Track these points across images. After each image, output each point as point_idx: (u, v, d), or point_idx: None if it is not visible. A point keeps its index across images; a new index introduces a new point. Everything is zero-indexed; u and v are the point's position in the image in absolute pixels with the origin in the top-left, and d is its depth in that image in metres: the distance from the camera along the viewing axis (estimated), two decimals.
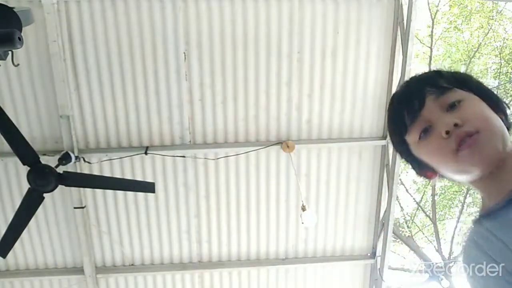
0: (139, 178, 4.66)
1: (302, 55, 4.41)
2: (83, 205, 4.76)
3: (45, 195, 3.60)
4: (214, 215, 4.98)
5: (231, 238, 5.11)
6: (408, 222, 12.74)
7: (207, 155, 4.70)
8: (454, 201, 12.72)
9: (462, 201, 12.21)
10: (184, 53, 4.32)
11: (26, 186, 3.60)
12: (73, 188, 4.53)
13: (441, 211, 12.72)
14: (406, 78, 4.21)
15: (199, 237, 5.09)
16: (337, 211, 5.08)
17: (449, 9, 11.43)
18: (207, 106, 4.53)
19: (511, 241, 0.85)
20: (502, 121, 1.00)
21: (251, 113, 4.59)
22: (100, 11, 4.13)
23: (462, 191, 11.89)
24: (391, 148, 4.69)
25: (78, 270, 5.10)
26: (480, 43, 11.61)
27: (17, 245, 4.03)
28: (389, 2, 4.31)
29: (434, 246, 12.23)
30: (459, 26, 11.51)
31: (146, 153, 4.56)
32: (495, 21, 11.44)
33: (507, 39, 11.55)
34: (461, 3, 11.29)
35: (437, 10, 11.19)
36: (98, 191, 4.75)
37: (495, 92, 1.08)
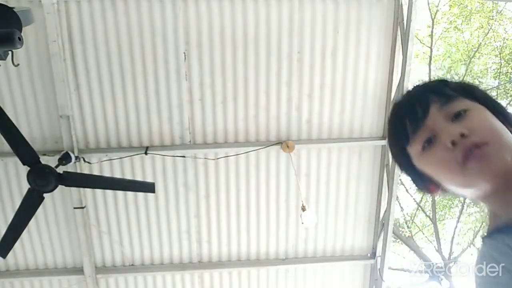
0: (139, 178, 4.66)
1: (302, 55, 4.40)
2: (83, 205, 4.76)
3: (45, 195, 3.60)
4: (214, 215, 4.98)
5: (231, 238, 5.11)
6: (408, 222, 12.73)
7: (207, 155, 4.70)
8: (454, 201, 12.70)
9: (462, 201, 12.19)
10: (184, 53, 4.32)
11: (26, 186, 3.60)
12: (73, 188, 4.53)
13: (441, 211, 12.71)
14: (406, 78, 4.22)
15: (199, 237, 5.08)
16: (337, 211, 5.08)
17: (449, 9, 11.41)
18: (207, 106, 4.53)
19: None
20: (510, 132, 0.95)
21: (251, 113, 4.59)
22: (100, 11, 4.13)
23: None
24: None
25: (78, 270, 5.10)
26: (480, 43, 11.59)
27: (17, 245, 4.02)
28: (389, 2, 4.31)
29: (434, 246, 12.21)
30: (459, 26, 11.50)
31: (146, 153, 4.56)
32: (495, 21, 11.43)
33: (507, 39, 11.54)
34: (461, 3, 11.28)
35: (437, 10, 11.17)
36: (98, 191, 4.75)
37: (503, 105, 1.03)
